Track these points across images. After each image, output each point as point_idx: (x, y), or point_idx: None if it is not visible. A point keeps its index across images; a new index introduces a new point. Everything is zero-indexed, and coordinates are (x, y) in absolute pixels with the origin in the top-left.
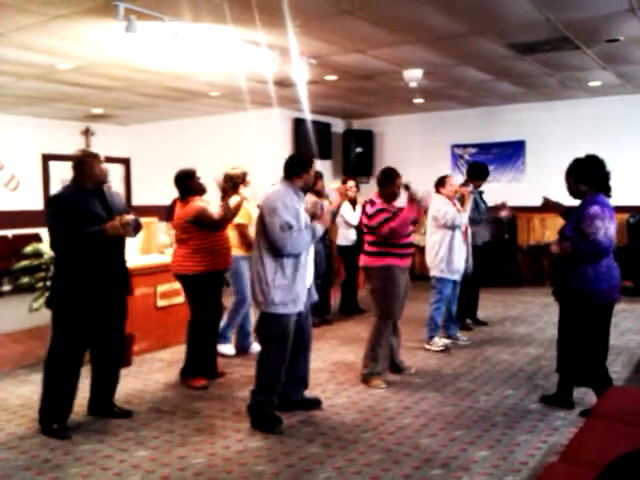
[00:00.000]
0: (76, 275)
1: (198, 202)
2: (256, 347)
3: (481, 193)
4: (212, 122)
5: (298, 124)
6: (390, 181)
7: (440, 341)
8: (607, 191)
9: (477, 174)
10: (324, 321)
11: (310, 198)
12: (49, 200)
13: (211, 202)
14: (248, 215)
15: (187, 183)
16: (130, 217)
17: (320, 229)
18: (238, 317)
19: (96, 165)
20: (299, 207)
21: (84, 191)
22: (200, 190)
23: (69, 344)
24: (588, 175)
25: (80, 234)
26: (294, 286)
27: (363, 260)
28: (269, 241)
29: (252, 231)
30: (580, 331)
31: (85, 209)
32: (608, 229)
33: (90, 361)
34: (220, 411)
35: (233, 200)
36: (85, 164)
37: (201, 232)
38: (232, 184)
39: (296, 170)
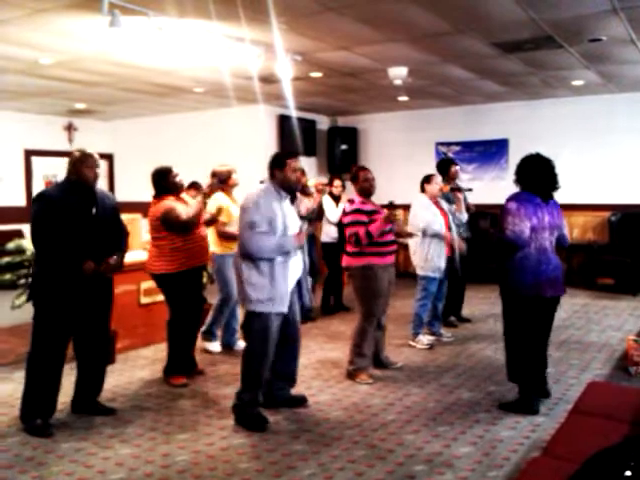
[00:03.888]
0: (57, 270)
1: (169, 201)
2: (241, 344)
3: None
4: (196, 118)
5: (283, 121)
6: (355, 178)
7: (425, 339)
8: (536, 190)
9: (440, 168)
10: (308, 318)
11: (303, 202)
12: (35, 197)
13: (190, 200)
14: (228, 214)
15: (162, 183)
16: (114, 259)
17: (290, 244)
18: (222, 315)
19: (93, 168)
20: (277, 207)
21: (75, 190)
22: (175, 188)
23: (50, 339)
24: (518, 174)
25: (60, 249)
26: (272, 285)
27: (345, 260)
28: (240, 240)
29: (232, 229)
30: (510, 325)
31: (72, 207)
32: (517, 226)
33: (75, 358)
34: (204, 408)
35: (212, 205)
36: (83, 164)
37: (171, 232)
38: (217, 180)
39: (270, 169)
